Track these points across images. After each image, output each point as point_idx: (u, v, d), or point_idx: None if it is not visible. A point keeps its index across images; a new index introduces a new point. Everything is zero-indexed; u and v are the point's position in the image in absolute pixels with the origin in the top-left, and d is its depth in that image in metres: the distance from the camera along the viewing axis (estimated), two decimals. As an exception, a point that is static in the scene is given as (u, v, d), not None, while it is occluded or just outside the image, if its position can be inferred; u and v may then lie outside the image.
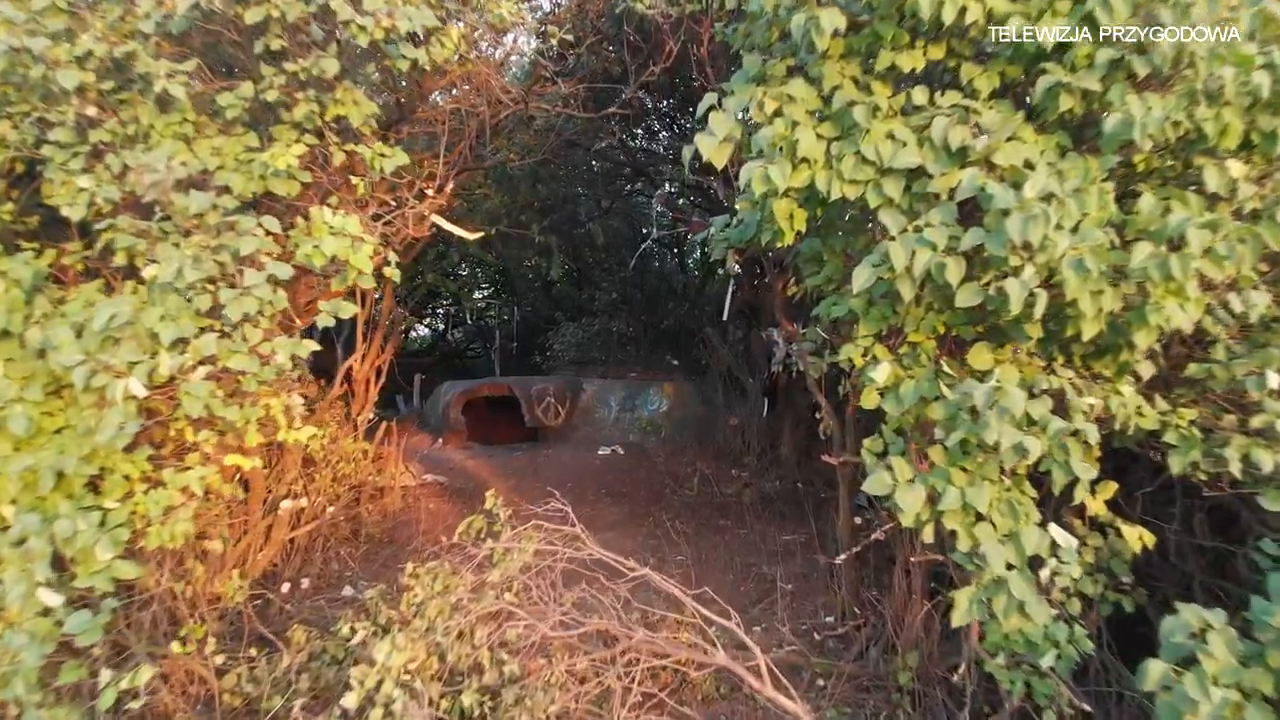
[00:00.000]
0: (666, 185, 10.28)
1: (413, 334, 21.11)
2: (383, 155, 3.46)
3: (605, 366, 12.85)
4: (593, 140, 7.14)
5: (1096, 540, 3.63)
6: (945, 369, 2.91)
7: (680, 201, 12.45)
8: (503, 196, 8.52)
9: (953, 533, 3.11)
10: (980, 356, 2.92)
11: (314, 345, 3.48)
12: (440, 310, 19.26)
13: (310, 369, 9.91)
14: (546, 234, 8.35)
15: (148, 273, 3.10)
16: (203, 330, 3.17)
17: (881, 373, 2.89)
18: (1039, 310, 2.56)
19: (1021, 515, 2.97)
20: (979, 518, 2.98)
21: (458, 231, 4.69)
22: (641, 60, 5.76)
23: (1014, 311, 2.53)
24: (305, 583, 6.11)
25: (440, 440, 11.67)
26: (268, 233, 3.35)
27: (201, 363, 3.13)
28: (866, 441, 3.20)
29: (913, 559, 4.25)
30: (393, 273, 3.53)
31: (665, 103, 10.79)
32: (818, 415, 4.35)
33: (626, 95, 5.73)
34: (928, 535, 3.08)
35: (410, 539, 7.22)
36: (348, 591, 6.22)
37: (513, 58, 6.96)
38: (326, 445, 6.74)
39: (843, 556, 4.80)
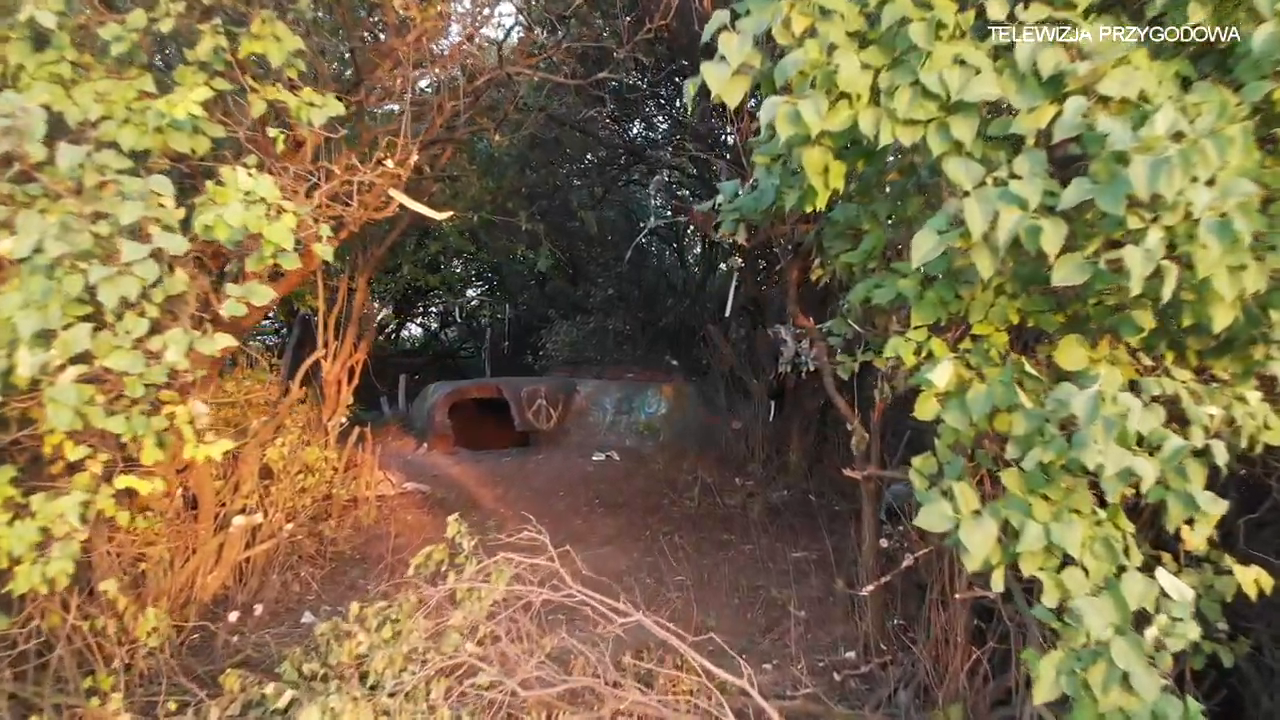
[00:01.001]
0: (664, 174, 9.60)
1: (404, 333, 20.46)
2: (311, 104, 2.79)
3: (601, 367, 12.18)
4: (583, 115, 6.46)
5: (1191, 579, 2.97)
6: (1029, 370, 2.24)
7: (681, 193, 11.79)
8: (486, 181, 7.85)
9: (1026, 582, 2.46)
10: (1071, 353, 2.25)
11: (227, 340, 2.81)
12: (433, 309, 18.61)
13: (288, 371, 9.27)
14: (535, 222, 7.68)
15: (1, 247, 2.42)
16: (80, 319, 2.50)
17: (943, 374, 2.22)
18: (1168, 289, 1.89)
19: (1120, 558, 2.31)
20: (1066, 561, 2.33)
21: (421, 209, 4.03)
22: (638, 15, 5.10)
23: (1134, 290, 1.86)
24: (259, 609, 5.43)
25: (425, 445, 10.99)
26: (183, 204, 2.70)
27: (73, 361, 2.46)
28: (916, 461, 2.53)
29: (957, 596, 3.57)
30: (322, 249, 2.86)
31: (663, 90, 10.14)
32: (850, 426, 3.67)
33: (621, 55, 5.07)
34: (998, 583, 2.41)
35: (383, 556, 6.54)
36: (307, 618, 5.55)
37: (495, 30, 6.30)
38: (287, 455, 6.07)
39: (869, 588, 4.13)
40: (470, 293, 18.17)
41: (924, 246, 2.00)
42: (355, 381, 7.66)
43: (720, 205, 2.85)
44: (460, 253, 13.62)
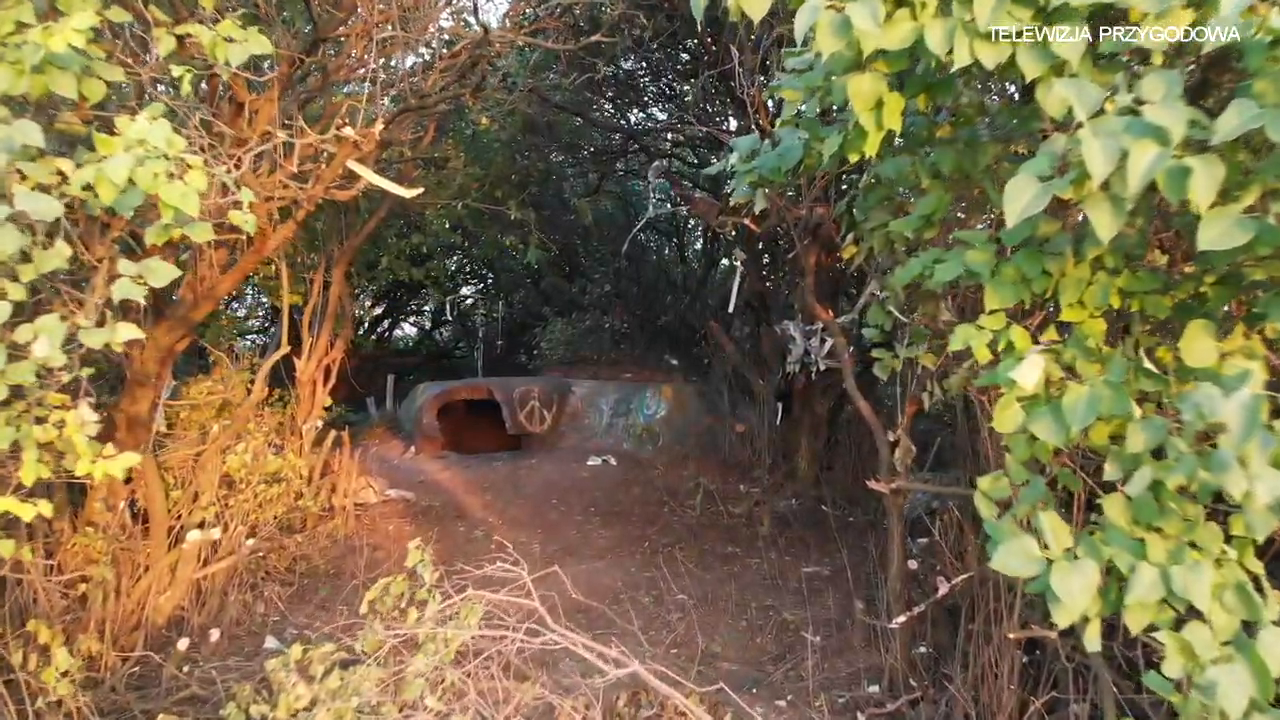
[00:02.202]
0: (664, 161, 9.07)
1: (397, 332, 19.91)
2: (229, 39, 2.27)
3: (597, 366, 11.65)
4: (576, 78, 5.91)
5: (1307, 622, 2.45)
6: (1148, 367, 1.71)
7: (683, 182, 11.26)
8: (474, 169, 7.32)
9: (1132, 642, 1.94)
10: (1199, 345, 1.72)
11: (131, 331, 2.29)
12: (427, 308, 18.10)
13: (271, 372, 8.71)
14: (525, 210, 7.14)
15: None
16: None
17: (1031, 372, 1.70)
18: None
19: (1258, 609, 1.79)
20: (1186, 613, 1.80)
21: (387, 185, 3.50)
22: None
23: (1320, 256, 1.33)
24: (215, 634, 4.90)
25: (412, 448, 10.46)
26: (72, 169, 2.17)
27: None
28: (984, 482, 2.01)
29: (1010, 635, 3.04)
30: (241, 219, 2.33)
31: (663, 68, 9.62)
32: (892, 436, 3.13)
33: (615, 14, 4.55)
34: (1093, 640, 1.89)
35: (357, 572, 6.01)
36: (270, 643, 5.02)
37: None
38: (250, 462, 5.54)
39: (900, 620, 3.60)
40: (466, 290, 17.67)
41: (1022, 197, 1.47)
42: (332, 381, 7.14)
43: (734, 167, 2.32)
44: (452, 248, 13.11)
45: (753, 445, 8.34)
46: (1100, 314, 1.90)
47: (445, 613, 2.83)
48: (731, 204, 2.44)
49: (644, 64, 9.68)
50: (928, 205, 2.09)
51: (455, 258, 15.64)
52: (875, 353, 2.78)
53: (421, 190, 3.87)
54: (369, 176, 3.55)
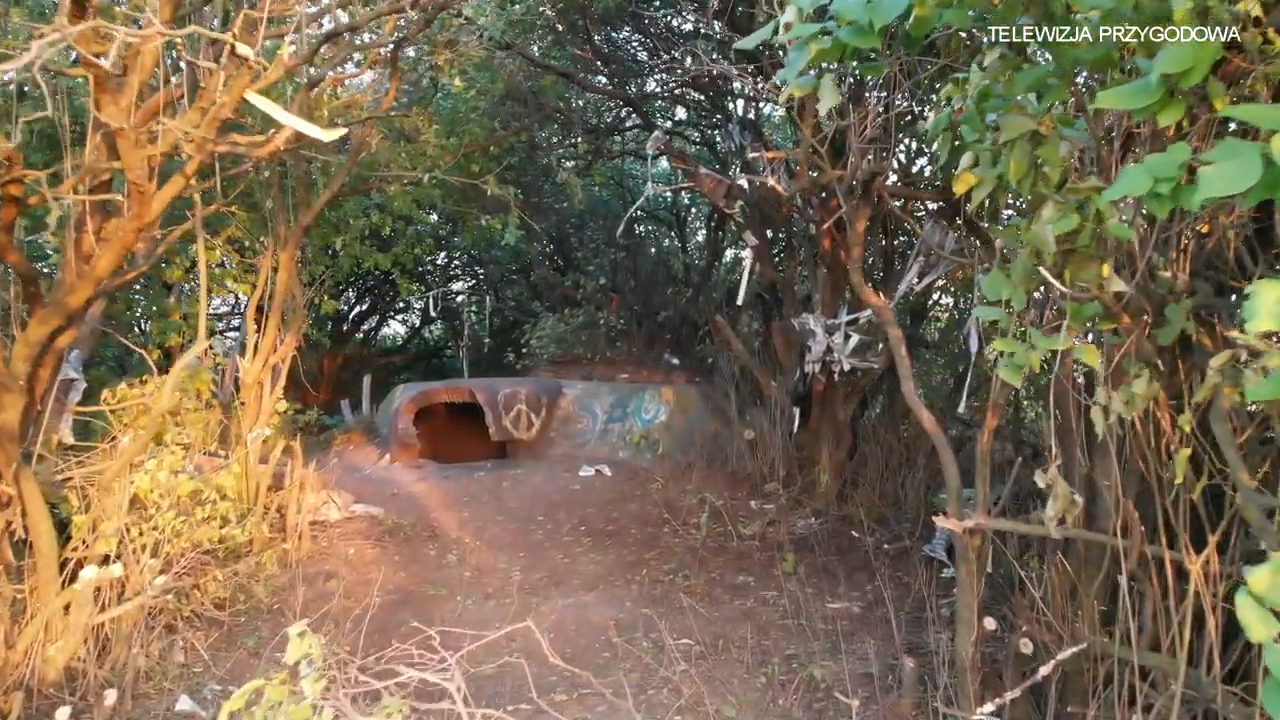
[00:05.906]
0: (662, 132, 8.12)
1: (385, 330, 19.00)
2: None
3: (591, 366, 10.72)
4: (556, 13, 4.99)
5: None
6: None
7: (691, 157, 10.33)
8: (450, 141, 6.39)
9: None
10: None
11: None
12: (416, 305, 17.20)
13: (234, 374, 7.75)
14: (504, 186, 6.23)
15: None
16: None
17: None
18: None
19: None
20: None
21: (299, 124, 2.57)
22: None
23: None
24: (111, 696, 3.96)
25: (387, 456, 9.52)
26: None
27: None
28: (1257, 579, 1.09)
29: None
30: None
31: (663, 54, 8.71)
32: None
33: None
34: None
35: (304, 607, 5.08)
36: (184, 704, 4.10)
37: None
38: (164, 481, 4.60)
39: (986, 710, 2.66)
40: (457, 286, 16.80)
41: None
42: (281, 381, 6.23)
43: (787, 33, 1.38)
44: (432, 236, 12.20)
45: (765, 455, 7.41)
46: None
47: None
48: (783, 98, 1.53)
49: (642, 36, 8.80)
50: (1174, 59, 1.09)
51: (441, 251, 14.73)
52: (999, 344, 1.83)
53: (344, 133, 2.95)
54: (271, 110, 2.62)
